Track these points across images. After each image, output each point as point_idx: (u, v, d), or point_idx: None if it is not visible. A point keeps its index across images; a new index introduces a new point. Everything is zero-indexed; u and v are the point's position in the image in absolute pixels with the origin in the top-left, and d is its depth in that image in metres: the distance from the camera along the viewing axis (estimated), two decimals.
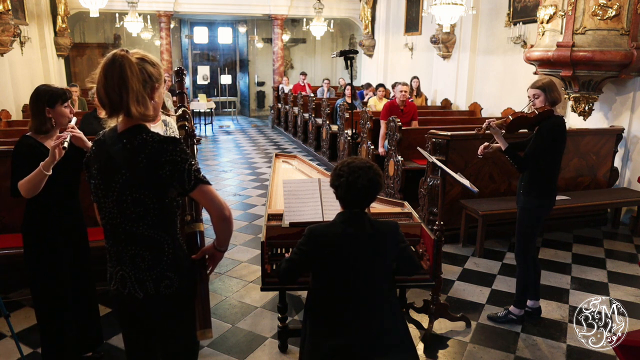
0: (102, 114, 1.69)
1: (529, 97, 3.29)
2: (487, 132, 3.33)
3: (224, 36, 18.02)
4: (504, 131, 3.30)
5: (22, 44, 9.38)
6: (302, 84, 12.78)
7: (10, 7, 8.08)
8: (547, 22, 5.54)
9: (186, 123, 2.01)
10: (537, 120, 3.22)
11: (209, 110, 13.65)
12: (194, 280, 1.87)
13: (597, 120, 6.05)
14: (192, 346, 1.97)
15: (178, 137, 4.78)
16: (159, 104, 1.79)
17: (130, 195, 1.68)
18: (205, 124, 13.56)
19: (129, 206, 1.69)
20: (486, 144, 3.43)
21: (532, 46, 5.89)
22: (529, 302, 3.53)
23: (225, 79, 16.31)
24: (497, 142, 3.34)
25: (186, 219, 1.88)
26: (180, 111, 2.04)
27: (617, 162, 5.85)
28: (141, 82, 1.66)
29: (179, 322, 1.86)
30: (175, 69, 2.23)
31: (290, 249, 2.79)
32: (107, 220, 1.76)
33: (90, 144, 2.22)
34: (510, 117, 3.28)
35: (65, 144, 2.40)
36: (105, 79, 1.62)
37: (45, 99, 2.49)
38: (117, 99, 1.63)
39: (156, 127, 4.59)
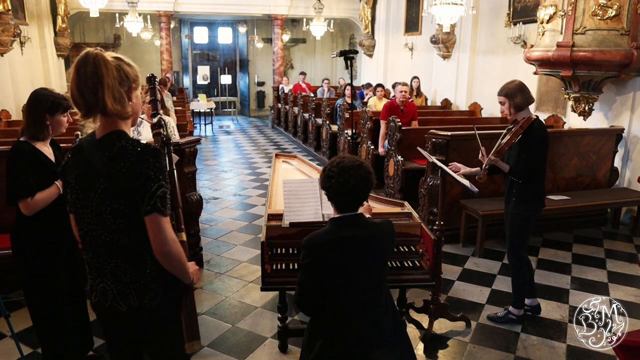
0: (78, 116, 1.62)
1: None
2: (489, 166, 3.28)
3: (224, 36, 18.04)
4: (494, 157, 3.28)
5: (22, 44, 9.38)
6: (302, 84, 12.80)
7: (10, 7, 8.09)
8: (547, 22, 5.54)
9: (161, 131, 1.95)
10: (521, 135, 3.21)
11: (209, 110, 13.66)
12: (179, 291, 1.80)
13: (597, 120, 6.05)
14: (180, 358, 1.91)
15: (177, 139, 4.69)
16: (137, 105, 1.73)
17: (109, 206, 1.61)
18: (205, 124, 13.56)
19: (108, 217, 1.62)
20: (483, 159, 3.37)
21: (532, 46, 5.89)
22: (527, 301, 3.54)
23: (225, 79, 16.33)
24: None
25: None
26: (155, 119, 1.97)
27: (617, 162, 5.85)
28: (117, 79, 1.60)
29: (165, 334, 1.80)
30: (148, 75, 2.15)
31: (290, 248, 2.80)
32: (86, 232, 1.69)
33: None
34: (499, 149, 3.24)
35: None
36: (77, 76, 1.56)
37: (46, 106, 2.45)
38: (91, 96, 1.56)
39: None
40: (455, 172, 3.31)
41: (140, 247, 1.65)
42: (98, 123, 1.64)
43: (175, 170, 1.97)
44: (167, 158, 1.94)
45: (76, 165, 1.67)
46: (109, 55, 1.62)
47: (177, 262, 1.67)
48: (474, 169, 3.43)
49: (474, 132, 3.44)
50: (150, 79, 2.10)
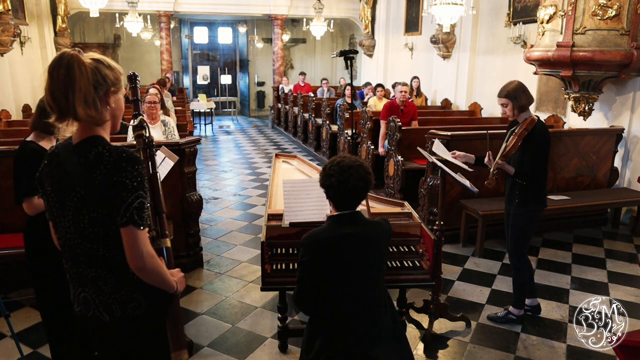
0: (52, 119, 1.56)
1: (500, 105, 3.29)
2: (496, 171, 3.29)
3: (224, 36, 18.04)
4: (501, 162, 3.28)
5: (22, 44, 9.38)
6: (302, 84, 12.81)
7: (10, 7, 8.09)
8: (547, 22, 5.54)
9: (143, 132, 1.90)
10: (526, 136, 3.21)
11: (209, 110, 13.66)
12: (163, 300, 1.73)
13: (597, 120, 6.05)
14: None
15: (177, 139, 4.65)
16: (118, 110, 1.67)
17: (87, 215, 1.54)
18: (205, 124, 13.56)
19: (86, 226, 1.56)
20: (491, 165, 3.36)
21: (532, 46, 5.89)
22: (527, 301, 3.54)
23: (225, 79, 16.34)
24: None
25: (151, 234, 1.76)
26: (137, 120, 1.92)
27: (617, 162, 5.85)
28: (92, 83, 1.53)
29: (150, 344, 1.75)
30: (129, 73, 2.08)
31: (290, 248, 2.80)
32: (65, 241, 1.64)
33: None
34: (505, 152, 3.25)
35: None
36: (50, 78, 1.50)
37: None
38: (63, 100, 1.50)
39: (155, 128, 4.62)
40: (455, 158, 3.34)
41: (121, 256, 1.59)
42: (75, 127, 1.58)
43: (158, 174, 1.93)
44: (149, 162, 1.88)
45: (52, 173, 1.62)
46: (88, 56, 1.56)
47: (155, 275, 1.61)
48: (469, 154, 3.43)
49: (486, 137, 3.36)
50: (131, 78, 2.03)
